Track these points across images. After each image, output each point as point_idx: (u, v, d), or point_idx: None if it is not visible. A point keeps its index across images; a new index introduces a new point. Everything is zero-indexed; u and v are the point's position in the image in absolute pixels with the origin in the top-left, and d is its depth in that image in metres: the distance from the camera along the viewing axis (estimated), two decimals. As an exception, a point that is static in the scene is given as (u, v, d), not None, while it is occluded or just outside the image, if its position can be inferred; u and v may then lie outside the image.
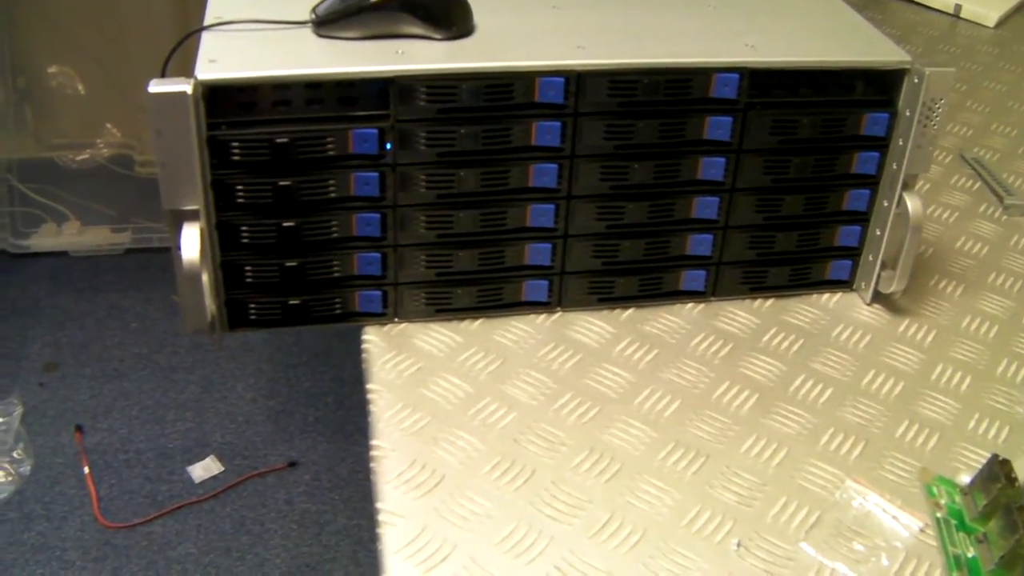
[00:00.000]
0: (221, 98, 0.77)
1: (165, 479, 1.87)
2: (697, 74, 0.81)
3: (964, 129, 1.26)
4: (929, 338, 0.91)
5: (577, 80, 0.79)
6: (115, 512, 1.80)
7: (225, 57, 0.78)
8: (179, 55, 0.85)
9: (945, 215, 1.08)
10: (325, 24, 0.81)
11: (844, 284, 0.94)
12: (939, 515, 0.73)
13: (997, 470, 0.71)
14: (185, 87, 0.74)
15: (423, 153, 0.80)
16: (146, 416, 2.00)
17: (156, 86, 0.74)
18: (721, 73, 0.81)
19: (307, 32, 0.82)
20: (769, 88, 0.83)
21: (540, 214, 0.84)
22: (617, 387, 0.83)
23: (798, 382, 0.85)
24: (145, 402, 2.02)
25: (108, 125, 2.45)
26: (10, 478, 1.83)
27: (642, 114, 0.82)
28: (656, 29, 0.86)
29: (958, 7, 1.52)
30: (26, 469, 1.85)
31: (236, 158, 0.78)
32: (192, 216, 0.78)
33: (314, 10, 0.83)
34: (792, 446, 0.79)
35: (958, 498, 0.74)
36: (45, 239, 2.40)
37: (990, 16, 1.51)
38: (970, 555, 0.70)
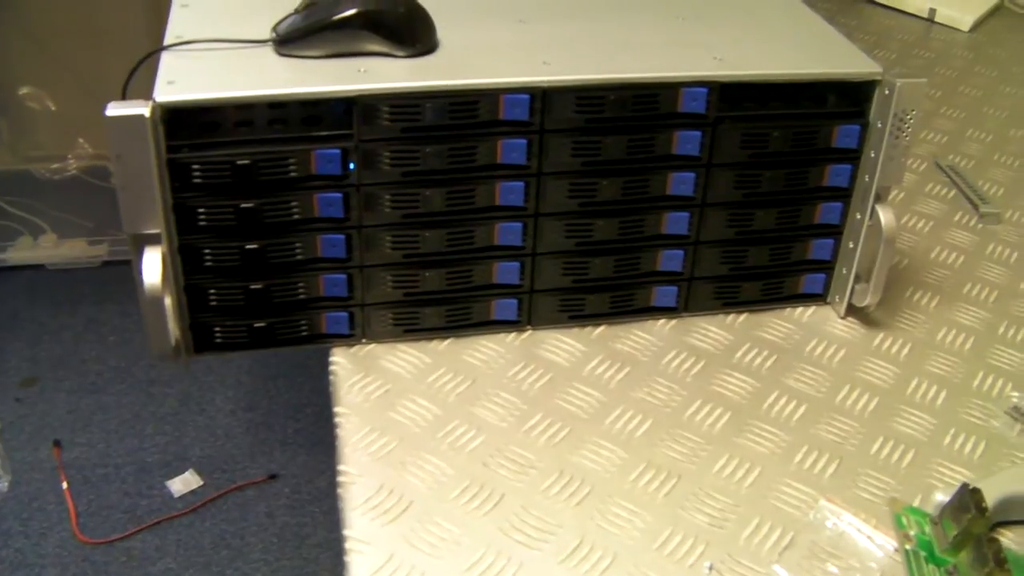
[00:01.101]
0: (181, 120, 0.75)
1: (144, 494, 1.86)
2: (665, 88, 0.80)
3: (939, 136, 1.26)
4: (904, 352, 0.90)
5: (543, 97, 0.78)
6: (94, 528, 1.78)
7: (184, 78, 0.76)
8: (145, 74, 0.83)
9: (920, 224, 1.07)
10: (286, 43, 0.80)
11: (818, 298, 0.93)
12: (908, 547, 0.71)
13: (968, 499, 0.70)
14: (143, 110, 0.72)
15: (387, 173, 0.79)
16: (124, 430, 1.98)
17: (114, 109, 0.72)
18: (689, 87, 0.80)
19: (268, 51, 0.81)
20: (739, 101, 0.82)
21: (508, 232, 0.83)
22: (588, 407, 0.82)
23: (771, 399, 0.84)
24: (123, 416, 2.01)
25: (80, 140, 2.43)
26: (-13, 495, 1.82)
27: (610, 130, 0.80)
28: (623, 43, 0.85)
29: (932, 11, 1.51)
30: (3, 485, 1.83)
31: (198, 181, 0.76)
32: (153, 240, 0.77)
33: (275, 29, 0.81)
34: (765, 465, 0.78)
35: (928, 528, 0.73)
36: (21, 252, 2.38)
37: (965, 20, 1.51)
38: (941, 586, 0.69)
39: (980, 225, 1.07)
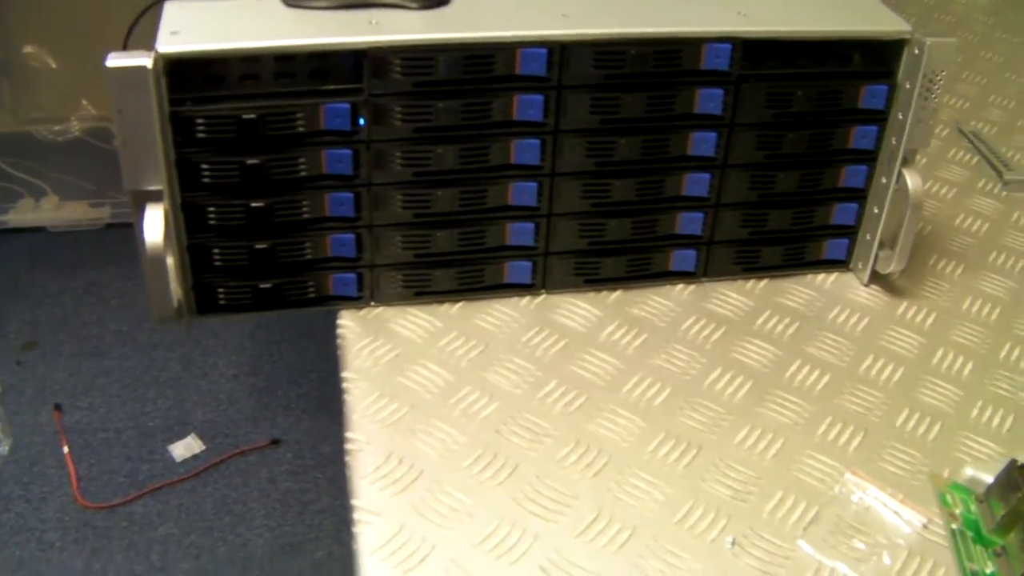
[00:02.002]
0: (185, 72, 0.72)
1: (146, 458, 1.82)
2: (687, 44, 0.76)
3: (960, 101, 1.22)
4: (929, 321, 0.86)
5: (561, 51, 0.74)
6: (95, 492, 1.75)
7: (188, 29, 0.73)
8: (147, 27, 0.80)
9: (943, 191, 1.03)
10: (295, -7, 0.76)
11: (840, 264, 0.90)
12: (954, 526, 0.68)
13: (1016, 477, 0.66)
14: (145, 61, 0.69)
15: (399, 129, 0.75)
16: (126, 394, 1.94)
17: (114, 60, 0.69)
18: (712, 43, 0.76)
19: (275, 2, 0.77)
20: (763, 59, 0.78)
21: (522, 192, 0.79)
22: (604, 374, 0.78)
23: (794, 368, 0.80)
24: (125, 380, 1.97)
25: (83, 101, 2.38)
26: (-13, 459, 1.78)
27: (629, 87, 0.77)
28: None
29: (954, -24, 1.47)
30: (4, 449, 1.80)
31: (201, 136, 0.73)
32: (155, 197, 0.73)
33: (283, -22, 0.77)
34: (788, 436, 0.75)
35: (974, 507, 0.69)
36: (23, 214, 2.34)
37: (986, -15, 1.46)
38: (988, 571, 0.65)
39: (1004, 192, 1.04)
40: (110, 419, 1.89)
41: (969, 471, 0.72)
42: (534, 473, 0.70)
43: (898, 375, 0.81)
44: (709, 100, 0.78)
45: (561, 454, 0.72)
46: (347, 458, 0.71)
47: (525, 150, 0.77)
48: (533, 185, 0.79)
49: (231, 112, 0.72)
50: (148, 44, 0.72)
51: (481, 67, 0.74)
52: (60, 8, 2.27)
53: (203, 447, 1.85)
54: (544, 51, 0.74)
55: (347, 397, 0.75)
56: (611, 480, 0.70)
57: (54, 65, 2.33)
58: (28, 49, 2.32)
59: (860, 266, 0.89)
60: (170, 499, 1.76)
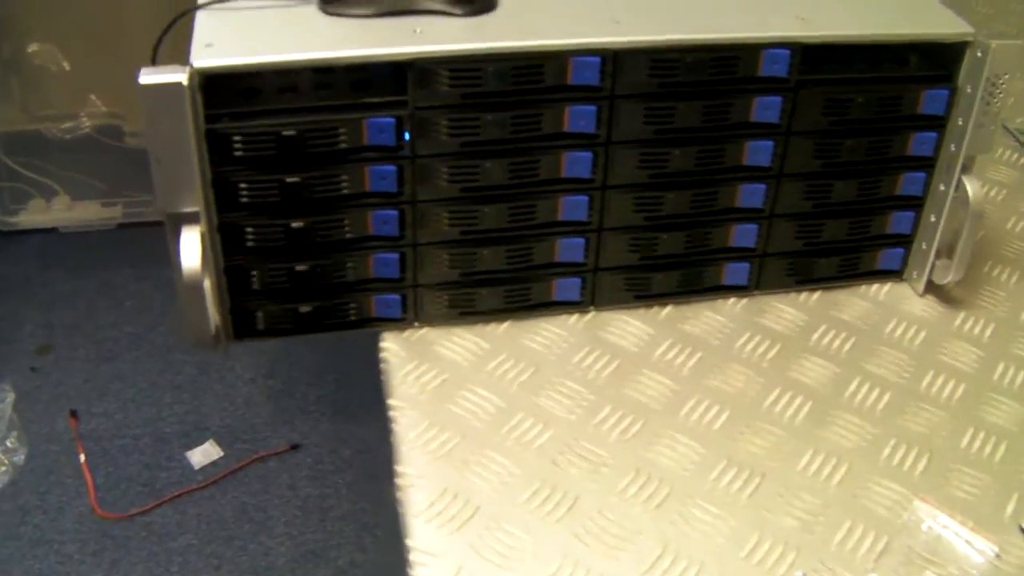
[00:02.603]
0: (220, 86, 0.67)
1: (164, 465, 1.78)
2: (745, 50, 0.72)
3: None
4: (987, 333, 0.82)
5: (614, 59, 0.70)
6: (113, 502, 1.71)
7: (223, 41, 0.68)
8: (168, 35, 0.75)
9: (992, 192, 0.99)
10: (332, 1, 0.72)
11: (893, 274, 0.85)
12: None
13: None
14: (180, 77, 0.64)
15: (445, 143, 0.71)
16: (142, 399, 1.90)
17: (148, 76, 0.65)
18: (771, 49, 0.72)
19: (312, 10, 0.73)
20: (820, 64, 0.74)
21: (573, 206, 0.75)
22: (660, 396, 0.74)
23: (853, 386, 0.77)
24: (141, 384, 1.93)
25: (93, 97, 2.33)
26: (3, 468, 1.74)
27: (684, 95, 0.72)
28: (697, 1, 0.77)
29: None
30: (20, 458, 1.76)
31: (239, 153, 0.68)
32: (191, 219, 0.69)
33: (320, -14, 0.73)
34: (853, 461, 0.71)
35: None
36: (34, 215, 2.29)
37: (1021, -24, 1.42)
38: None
39: (1057, 194, 0.99)
40: (127, 425, 1.85)
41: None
42: (594, 507, 0.66)
43: (960, 392, 0.77)
44: (766, 108, 0.74)
45: (621, 485, 0.68)
46: (398, 493, 0.67)
47: (576, 163, 0.73)
48: (584, 199, 0.75)
49: (270, 129, 0.68)
50: (168, 54, 0.68)
51: (532, 77, 0.69)
52: (68, 4, 2.22)
53: (221, 453, 1.81)
54: (597, 59, 0.70)
55: (394, 427, 0.71)
56: (674, 512, 0.66)
57: (63, 61, 2.28)
58: (36, 46, 2.27)
59: (915, 276, 0.85)
60: (189, 507, 1.72)
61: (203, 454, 1.80)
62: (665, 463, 0.69)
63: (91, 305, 2.09)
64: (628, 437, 0.71)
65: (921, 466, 0.71)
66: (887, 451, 0.72)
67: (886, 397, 0.76)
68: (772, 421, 0.73)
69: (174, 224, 0.70)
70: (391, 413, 0.72)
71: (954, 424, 0.74)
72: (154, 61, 0.71)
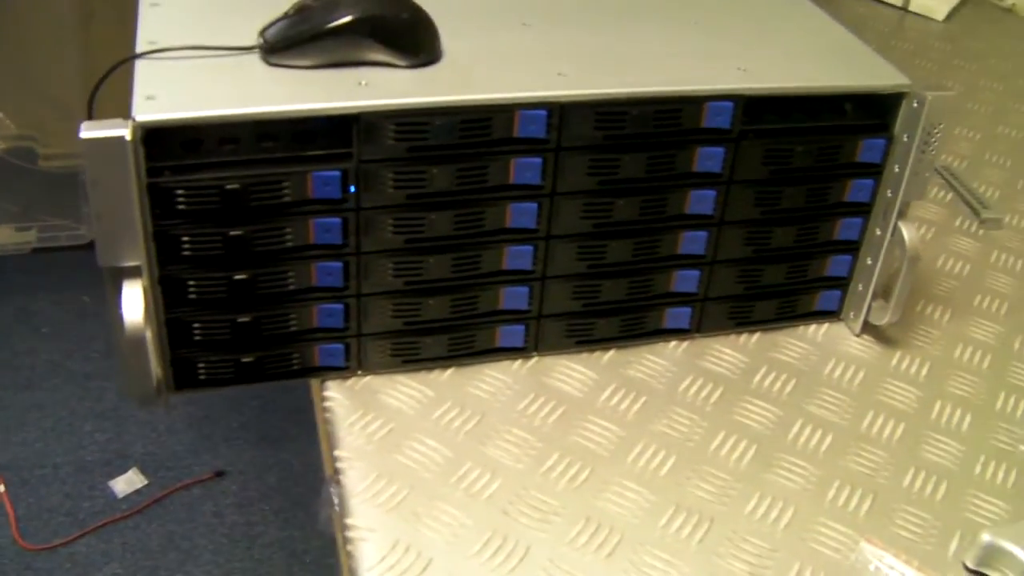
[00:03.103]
0: (162, 139, 0.66)
1: (86, 495, 1.75)
2: (689, 103, 0.72)
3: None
4: (924, 372, 0.84)
5: (561, 112, 0.70)
6: (35, 533, 1.67)
7: (165, 92, 0.67)
8: (78, 75, 0.73)
9: (922, 231, 1.01)
10: (276, 51, 0.71)
11: (830, 315, 0.87)
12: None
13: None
14: (122, 131, 0.63)
15: (390, 195, 0.70)
16: (62, 428, 1.86)
17: (89, 131, 0.63)
18: (714, 101, 0.72)
19: (255, 60, 0.72)
20: (760, 114, 0.75)
21: (517, 256, 0.75)
22: (607, 443, 0.74)
23: (796, 428, 0.77)
24: (60, 413, 1.88)
25: (2, 116, 2.27)
26: (-81, 503, 1.69)
27: (629, 147, 0.73)
28: (639, 51, 0.77)
29: (907, 0, 1.45)
30: (-64, 491, 1.71)
31: (181, 207, 0.67)
32: (133, 273, 0.67)
33: (262, 34, 0.72)
34: (799, 504, 0.71)
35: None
36: (-55, 240, 2.23)
37: (939, 10, 1.45)
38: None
39: (981, 231, 1.02)
40: (47, 454, 1.81)
41: (987, 537, 0.69)
42: (546, 556, 0.66)
43: (900, 432, 0.78)
44: (709, 158, 0.74)
45: (572, 534, 0.68)
46: (348, 546, 0.66)
47: (522, 214, 0.73)
48: (529, 248, 0.75)
49: (213, 183, 0.67)
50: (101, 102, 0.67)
51: (479, 130, 0.69)
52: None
53: (145, 481, 1.78)
54: (544, 113, 0.69)
55: (343, 479, 0.70)
56: (626, 560, 0.66)
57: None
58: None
59: (852, 316, 0.86)
60: (113, 537, 1.69)
61: (126, 483, 1.77)
62: (615, 510, 0.69)
63: (6, 332, 2.04)
64: (577, 485, 0.71)
65: (866, 507, 0.72)
66: (832, 492, 0.72)
67: (828, 438, 0.77)
68: (718, 465, 0.74)
69: (115, 278, 0.68)
70: (338, 465, 0.71)
71: (896, 464, 0.75)
72: (91, 112, 0.69)
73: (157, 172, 0.66)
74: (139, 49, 0.72)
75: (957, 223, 1.02)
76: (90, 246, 2.11)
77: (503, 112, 0.69)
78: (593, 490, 0.71)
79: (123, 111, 0.66)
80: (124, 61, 0.71)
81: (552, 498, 0.70)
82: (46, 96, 1.94)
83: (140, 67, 0.70)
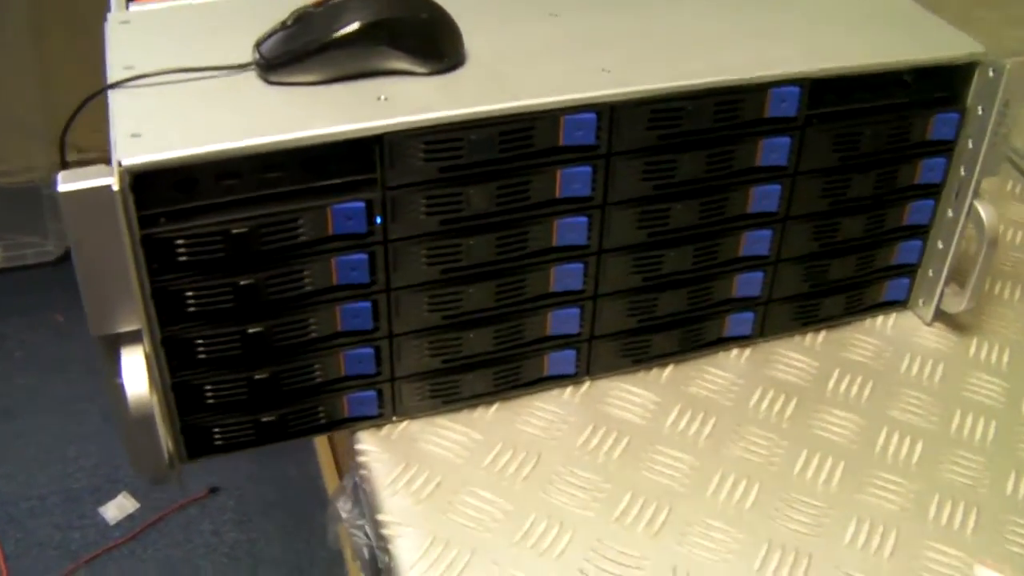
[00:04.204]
0: (153, 182, 0.54)
1: (76, 525, 1.63)
2: (751, 92, 0.62)
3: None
4: (1005, 360, 0.74)
5: (610, 114, 0.59)
6: (26, 570, 1.56)
7: (152, 127, 0.55)
8: (49, 107, 0.62)
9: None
10: (276, 67, 0.59)
11: (899, 304, 0.77)
12: None
13: None
14: (108, 180, 0.52)
15: (422, 223, 0.59)
16: (45, 456, 1.73)
17: (68, 183, 0.52)
18: (779, 87, 0.62)
19: (251, 79, 0.60)
20: (821, 97, 0.65)
21: (566, 276, 0.65)
22: (681, 476, 0.64)
23: (882, 438, 0.68)
24: (42, 440, 1.76)
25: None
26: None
27: (686, 146, 0.62)
28: (685, 35, 0.67)
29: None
30: (-82, 536, 1.59)
31: (183, 259, 0.56)
32: (131, 339, 0.56)
33: (258, 48, 0.60)
34: (900, 526, 0.62)
35: None
36: (-96, 264, 2.08)
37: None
38: None
39: (1034, 193, 0.92)
40: (32, 485, 1.69)
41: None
42: (639, 624, 0.56)
43: (992, 431, 0.69)
44: (773, 151, 0.64)
45: (661, 592, 0.58)
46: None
47: (570, 230, 0.63)
48: (579, 267, 0.64)
49: (217, 228, 0.56)
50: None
51: (520, 142, 0.58)
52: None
53: (137, 505, 1.66)
54: (592, 116, 0.59)
55: (393, 550, 0.60)
56: (728, 619, 0.56)
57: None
58: None
59: (922, 304, 0.76)
60: (109, 566, 1.58)
61: (117, 508, 1.65)
62: (703, 557, 0.60)
63: (-23, 358, 1.91)
64: (656, 529, 0.61)
65: (972, 523, 0.63)
66: (933, 510, 0.63)
67: (919, 447, 0.67)
68: (806, 491, 0.64)
69: (111, 346, 0.57)
70: (384, 532, 0.61)
71: (995, 470, 0.66)
72: (63, 158, 0.58)
73: (151, 221, 0.55)
74: (113, 75, 0.60)
75: (1009, 188, 0.93)
76: (60, 261, 1.99)
77: (546, 119, 0.58)
78: (675, 534, 0.61)
79: (89, 139, 0.56)
80: (98, 93, 0.59)
81: (632, 548, 0.60)
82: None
83: (118, 98, 0.58)
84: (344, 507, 0.68)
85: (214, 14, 0.67)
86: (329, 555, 1.57)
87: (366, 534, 0.65)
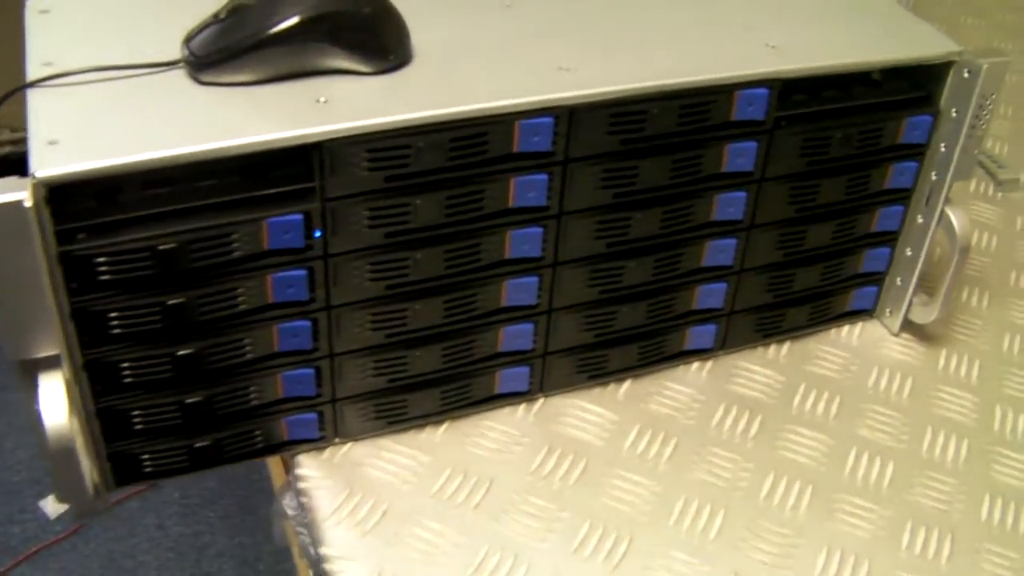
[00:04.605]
0: (71, 194, 0.49)
1: (16, 519, 1.56)
2: (718, 93, 0.57)
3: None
4: (975, 372, 0.71)
5: (569, 117, 0.54)
6: (-37, 567, 1.49)
7: (70, 133, 0.50)
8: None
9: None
10: (207, 66, 0.54)
11: (865, 313, 0.73)
12: None
13: None
14: (20, 195, 0.46)
15: (366, 236, 0.54)
16: (-20, 449, 1.67)
17: (-27, 195, 0.46)
18: (747, 89, 0.57)
19: (181, 78, 0.55)
20: (790, 97, 0.60)
21: (519, 290, 0.60)
22: (642, 503, 0.60)
23: (851, 460, 0.64)
24: (-24, 432, 1.69)
25: None
26: None
27: (649, 151, 0.57)
28: (649, 31, 0.62)
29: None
30: None
31: (105, 277, 0.50)
32: (50, 364, 0.51)
33: (187, 44, 0.55)
34: (873, 556, 0.58)
35: None
36: None
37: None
38: None
39: (1000, 195, 0.88)
40: (-27, 475, 1.62)
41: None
42: (599, 669, 0.52)
43: (964, 450, 0.65)
44: (740, 155, 0.60)
45: (623, 632, 0.53)
46: None
47: (524, 241, 0.58)
48: (533, 280, 0.60)
49: (142, 243, 0.50)
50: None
51: (471, 149, 0.53)
52: None
53: (78, 499, 1.59)
54: (549, 120, 0.54)
55: (335, 586, 0.55)
56: (693, 662, 0.52)
57: None
58: None
59: (889, 313, 0.73)
60: (50, 562, 1.51)
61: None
62: (668, 596, 0.55)
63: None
64: (617, 561, 0.57)
65: (947, 551, 0.59)
66: (906, 537, 0.60)
67: (889, 468, 0.64)
68: (774, 518, 0.60)
69: (28, 372, 0.51)
70: (327, 567, 0.56)
71: (969, 492, 0.63)
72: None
73: (69, 236, 0.49)
74: (31, 72, 0.55)
75: (972, 187, 0.89)
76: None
77: (499, 124, 0.53)
78: (637, 567, 0.57)
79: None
80: (12, 93, 0.54)
81: (591, 584, 0.56)
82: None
83: (35, 99, 0.53)
84: (290, 504, 0.63)
85: (142, 4, 0.61)
86: (275, 549, 1.52)
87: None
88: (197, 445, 0.58)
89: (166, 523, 1.58)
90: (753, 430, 0.65)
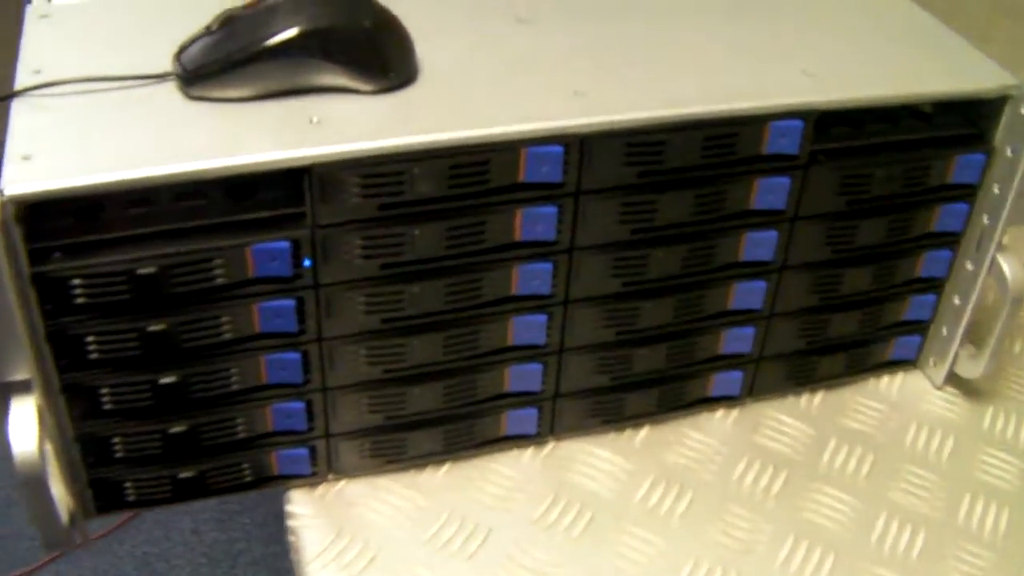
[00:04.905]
0: (47, 211, 0.46)
1: (52, 518, 1.55)
2: (747, 124, 0.52)
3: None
4: (1023, 435, 0.65)
5: (580, 146, 0.50)
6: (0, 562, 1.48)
7: (46, 148, 0.47)
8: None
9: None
10: (197, 80, 0.50)
11: (907, 364, 0.68)
12: None
13: None
14: (-16, 210, 0.43)
15: (359, 267, 0.51)
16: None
17: (-64, 212, 0.43)
18: (779, 120, 0.53)
19: (171, 90, 0.51)
20: (828, 130, 0.55)
21: (527, 328, 0.56)
22: (650, 563, 0.56)
23: (880, 526, 0.59)
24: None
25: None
26: None
27: (669, 185, 0.53)
28: (673, 53, 0.57)
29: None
30: None
31: (81, 300, 0.47)
32: (22, 389, 0.48)
33: (179, 57, 0.51)
34: (898, 634, 0.53)
35: None
36: None
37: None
38: None
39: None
40: (4, 475, 1.60)
41: None
42: None
43: (1004, 522, 0.60)
44: (770, 192, 0.55)
45: None
46: None
47: (532, 277, 0.54)
48: (541, 318, 0.55)
49: (120, 267, 0.47)
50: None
51: (473, 177, 0.49)
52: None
53: (116, 500, 1.58)
54: (559, 149, 0.50)
55: (313, 637, 0.51)
56: None
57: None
58: None
59: (932, 364, 0.67)
60: (84, 562, 1.50)
61: (95, 503, 1.56)
62: (670, 668, 0.51)
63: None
64: (619, 627, 0.52)
65: (976, 632, 0.53)
66: (934, 616, 0.54)
67: (920, 538, 0.58)
68: (791, 586, 0.55)
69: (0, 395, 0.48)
70: (308, 614, 0.52)
71: (1005, 570, 0.57)
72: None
73: (43, 255, 0.46)
74: (20, 80, 0.52)
75: None
76: None
77: (505, 152, 0.49)
78: (640, 634, 0.52)
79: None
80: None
81: (587, 650, 0.51)
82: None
83: (18, 109, 0.50)
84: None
85: (148, 9, 0.58)
86: (308, 562, 1.49)
87: None
88: (181, 476, 0.55)
89: (201, 528, 1.56)
90: (776, 487, 0.60)
